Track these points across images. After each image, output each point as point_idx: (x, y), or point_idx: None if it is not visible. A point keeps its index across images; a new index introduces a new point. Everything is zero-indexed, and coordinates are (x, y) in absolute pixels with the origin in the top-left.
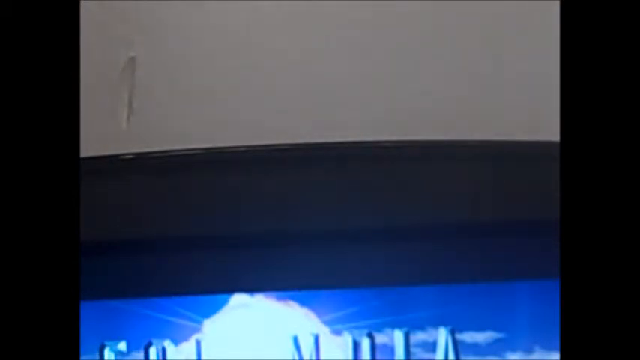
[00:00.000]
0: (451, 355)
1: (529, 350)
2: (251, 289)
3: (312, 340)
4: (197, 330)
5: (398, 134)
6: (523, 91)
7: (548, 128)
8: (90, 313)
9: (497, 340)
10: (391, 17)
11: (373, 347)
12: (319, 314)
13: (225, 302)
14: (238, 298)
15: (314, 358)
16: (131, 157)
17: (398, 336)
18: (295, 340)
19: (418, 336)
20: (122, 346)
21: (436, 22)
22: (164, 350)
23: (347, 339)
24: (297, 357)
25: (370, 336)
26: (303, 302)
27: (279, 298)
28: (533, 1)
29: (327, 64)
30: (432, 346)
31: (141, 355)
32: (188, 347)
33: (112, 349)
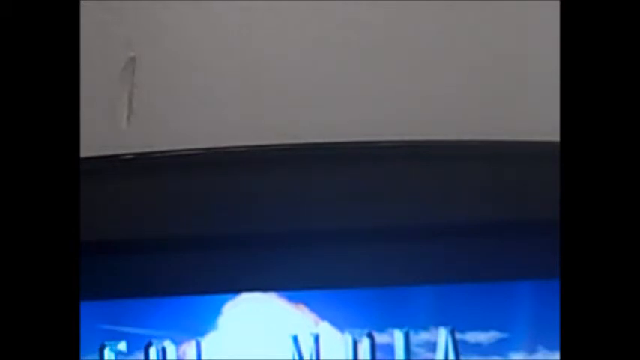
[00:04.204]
0: (451, 355)
1: (532, 350)
2: (250, 289)
3: (312, 340)
4: (197, 330)
5: (398, 134)
6: (523, 91)
7: (547, 128)
8: (90, 313)
9: (500, 340)
10: (391, 17)
11: (373, 347)
12: (319, 314)
13: (224, 302)
14: (237, 298)
15: (314, 358)
16: (131, 157)
17: (398, 336)
18: (295, 340)
19: (418, 336)
20: (122, 346)
21: (436, 22)
22: (164, 350)
23: (347, 339)
24: (297, 357)
25: (370, 336)
26: (303, 302)
27: (278, 298)
28: (533, 1)
29: (327, 64)
30: (432, 346)
31: (141, 355)
32: (188, 347)
33: (112, 349)
